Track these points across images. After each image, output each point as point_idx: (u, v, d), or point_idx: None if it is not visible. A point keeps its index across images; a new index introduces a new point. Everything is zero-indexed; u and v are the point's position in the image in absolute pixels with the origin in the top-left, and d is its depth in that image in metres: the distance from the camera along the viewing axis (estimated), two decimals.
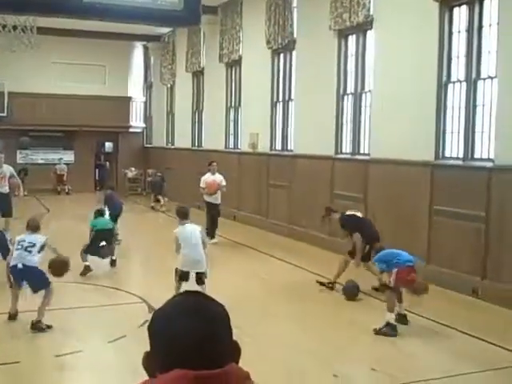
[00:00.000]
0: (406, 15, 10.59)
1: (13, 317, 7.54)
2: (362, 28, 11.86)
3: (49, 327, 7.17)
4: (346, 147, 12.61)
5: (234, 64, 17.46)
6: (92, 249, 10.45)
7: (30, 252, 7.45)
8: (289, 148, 14.83)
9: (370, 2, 11.22)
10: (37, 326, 7.16)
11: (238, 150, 17.29)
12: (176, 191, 20.28)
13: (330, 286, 9.43)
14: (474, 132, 9.44)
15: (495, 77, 8.93)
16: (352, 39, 12.35)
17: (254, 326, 7.48)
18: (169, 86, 23.03)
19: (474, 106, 9.40)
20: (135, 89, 25.86)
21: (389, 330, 7.22)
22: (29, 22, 15.60)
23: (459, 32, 9.65)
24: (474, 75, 9.38)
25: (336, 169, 12.49)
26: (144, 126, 26.06)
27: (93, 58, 23.72)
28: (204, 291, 8.16)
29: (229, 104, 18.09)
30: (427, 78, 10.00)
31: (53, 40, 21.45)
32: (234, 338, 1.47)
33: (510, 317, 8.06)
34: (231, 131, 18.09)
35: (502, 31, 8.72)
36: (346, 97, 12.59)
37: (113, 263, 10.86)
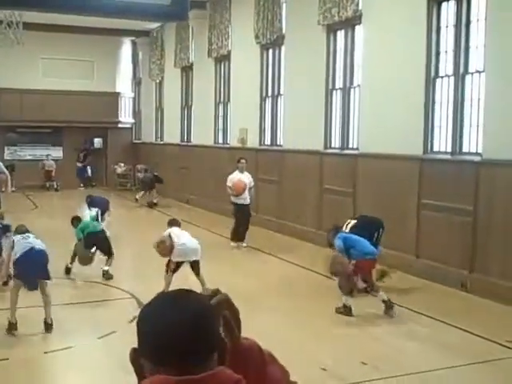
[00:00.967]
0: (394, 10, 10.61)
1: (14, 327, 6.91)
2: (351, 23, 11.87)
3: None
4: (335, 142, 12.64)
5: (223, 59, 17.43)
6: (83, 259, 9.66)
7: (38, 240, 7.32)
8: (278, 143, 14.83)
9: None
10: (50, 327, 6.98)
11: (227, 145, 17.28)
12: (165, 186, 20.25)
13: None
14: (462, 126, 9.49)
15: (483, 71, 8.97)
16: (341, 34, 12.36)
17: (243, 320, 7.50)
18: (157, 81, 22.96)
19: (462, 101, 9.44)
20: (124, 84, 25.75)
21: (345, 311, 7.79)
22: (15, 17, 15.48)
23: (447, 27, 9.68)
24: (462, 70, 9.42)
25: (325, 164, 12.51)
26: (133, 121, 25.98)
27: (81, 53, 23.61)
28: (203, 280, 8.35)
29: (218, 99, 18.06)
30: (415, 73, 10.03)
31: (40, 36, 21.31)
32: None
33: (498, 310, 8.12)
34: (220, 126, 18.07)
35: (489, 26, 8.75)
36: (334, 92, 12.61)
37: (106, 274, 9.68)
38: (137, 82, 25.83)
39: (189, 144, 20.29)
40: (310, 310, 8.27)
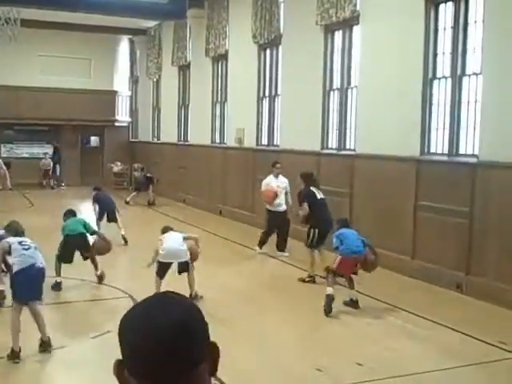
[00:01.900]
0: (392, 11, 10.61)
1: (17, 355, 6.13)
2: (349, 23, 11.87)
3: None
4: (332, 142, 12.64)
5: (221, 58, 17.42)
6: (64, 257, 9.08)
7: (40, 252, 6.53)
8: (275, 143, 14.83)
9: None
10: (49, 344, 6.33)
11: (224, 145, 17.27)
12: (162, 186, 20.24)
13: (311, 279, 9.58)
14: (458, 128, 9.50)
15: (480, 73, 8.98)
16: (338, 35, 12.36)
17: (238, 322, 7.49)
18: (155, 79, 22.93)
19: (459, 103, 9.45)
20: (121, 83, 25.72)
21: (327, 300, 7.91)
22: (12, 13, 15.45)
23: (445, 29, 9.69)
24: (459, 72, 9.43)
25: (322, 164, 12.50)
26: (130, 120, 25.94)
27: (78, 51, 23.58)
28: (192, 279, 8.25)
29: (215, 99, 18.04)
30: (413, 74, 10.04)
31: (38, 33, 21.30)
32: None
33: (494, 311, 8.13)
34: (217, 126, 18.05)
35: (487, 28, 8.76)
36: (332, 92, 12.61)
37: (100, 279, 9.32)
38: (134, 81, 25.80)
39: (185, 143, 20.27)
40: (306, 311, 8.26)
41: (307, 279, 9.63)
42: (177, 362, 1.24)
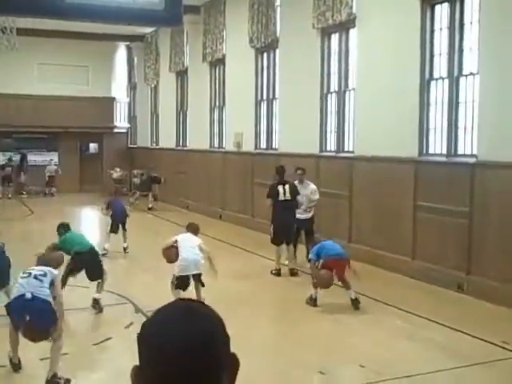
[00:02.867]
0: (388, 13, 10.63)
1: (16, 367, 6.04)
2: (345, 26, 11.90)
3: (68, 381, 5.76)
4: (331, 145, 12.65)
5: (218, 63, 17.44)
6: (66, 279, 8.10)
7: (41, 281, 5.91)
8: (273, 146, 14.84)
9: (352, 0, 11.25)
10: (53, 382, 5.71)
11: (223, 150, 17.28)
12: (162, 191, 20.26)
13: (277, 272, 10.24)
14: (456, 128, 9.51)
15: (477, 73, 9.00)
16: (335, 37, 12.39)
17: (240, 325, 7.49)
18: (153, 86, 22.97)
19: (457, 103, 9.46)
20: (119, 89, 25.76)
21: (310, 302, 8.42)
22: (8, 23, 15.49)
23: (441, 29, 9.71)
24: (456, 72, 9.44)
25: (321, 167, 12.51)
26: (128, 126, 25.97)
27: (76, 58, 23.63)
28: (201, 290, 8.10)
29: (213, 103, 18.07)
30: (410, 76, 10.05)
31: (35, 41, 21.35)
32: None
33: (495, 311, 8.13)
34: (216, 130, 18.07)
35: (483, 28, 8.78)
36: (329, 95, 12.63)
37: (96, 304, 8.24)
38: (132, 87, 25.83)
39: (184, 148, 20.29)
40: (307, 314, 8.26)
41: (274, 271, 10.31)
42: (200, 370, 1.24)
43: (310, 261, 8.90)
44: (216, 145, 18.01)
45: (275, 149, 14.64)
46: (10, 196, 22.52)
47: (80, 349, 6.94)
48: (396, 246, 10.30)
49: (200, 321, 1.29)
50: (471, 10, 9.21)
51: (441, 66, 9.77)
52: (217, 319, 1.32)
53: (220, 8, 16.62)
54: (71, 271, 8.18)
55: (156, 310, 1.34)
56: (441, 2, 9.71)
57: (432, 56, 9.89)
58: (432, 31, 9.85)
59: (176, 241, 8.27)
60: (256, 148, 15.45)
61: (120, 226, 12.30)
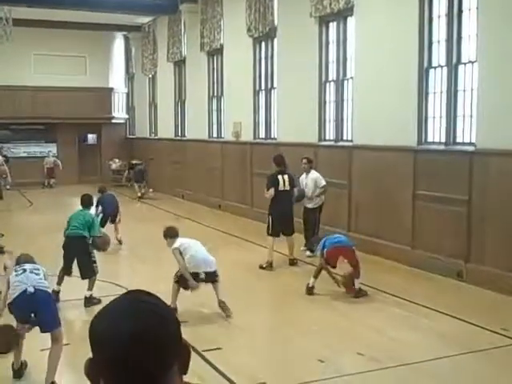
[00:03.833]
0: (386, 1, 10.59)
1: (18, 374, 5.84)
2: (343, 15, 11.84)
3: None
4: (330, 134, 12.63)
5: (216, 53, 17.38)
6: (63, 267, 8.03)
7: (37, 275, 5.78)
8: (272, 136, 14.82)
9: None
10: None
11: (222, 140, 17.25)
12: (160, 181, 20.26)
13: (268, 265, 9.98)
14: (455, 117, 9.49)
15: (476, 61, 8.97)
16: (333, 26, 12.33)
17: (241, 315, 7.50)
18: (150, 76, 22.90)
19: (456, 91, 9.44)
20: (117, 79, 25.67)
21: (308, 290, 8.40)
22: (4, 13, 15.42)
23: (439, 17, 9.67)
24: (454, 60, 9.41)
25: (320, 156, 12.49)
26: (127, 116, 25.91)
27: (73, 49, 23.54)
28: (218, 287, 7.55)
29: (211, 93, 18.01)
30: (408, 64, 10.02)
31: (32, 32, 21.25)
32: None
33: (495, 299, 8.15)
34: (214, 120, 18.03)
35: (481, 16, 8.74)
36: (328, 84, 12.59)
37: (87, 301, 7.97)
38: (130, 77, 25.75)
39: (183, 138, 20.27)
40: (305, 303, 8.28)
41: (265, 265, 9.99)
42: (148, 357, 1.24)
43: (312, 251, 8.97)
44: (214, 135, 17.98)
45: (274, 138, 14.62)
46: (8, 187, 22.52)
47: (80, 340, 6.93)
48: (395, 235, 10.31)
49: (147, 310, 1.29)
50: None
51: (439, 54, 9.73)
52: (165, 311, 1.33)
53: None
54: (64, 263, 8.08)
55: (106, 305, 1.35)
56: None
57: (430, 44, 9.85)
58: (430, 19, 9.80)
59: (178, 250, 7.45)
60: (255, 138, 15.42)
61: (109, 219, 12.06)
